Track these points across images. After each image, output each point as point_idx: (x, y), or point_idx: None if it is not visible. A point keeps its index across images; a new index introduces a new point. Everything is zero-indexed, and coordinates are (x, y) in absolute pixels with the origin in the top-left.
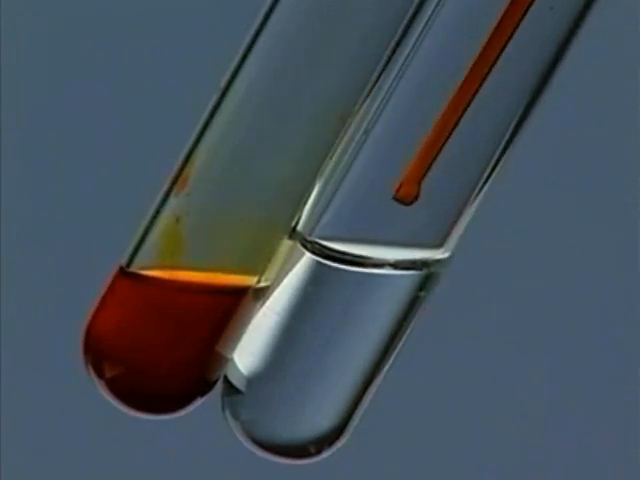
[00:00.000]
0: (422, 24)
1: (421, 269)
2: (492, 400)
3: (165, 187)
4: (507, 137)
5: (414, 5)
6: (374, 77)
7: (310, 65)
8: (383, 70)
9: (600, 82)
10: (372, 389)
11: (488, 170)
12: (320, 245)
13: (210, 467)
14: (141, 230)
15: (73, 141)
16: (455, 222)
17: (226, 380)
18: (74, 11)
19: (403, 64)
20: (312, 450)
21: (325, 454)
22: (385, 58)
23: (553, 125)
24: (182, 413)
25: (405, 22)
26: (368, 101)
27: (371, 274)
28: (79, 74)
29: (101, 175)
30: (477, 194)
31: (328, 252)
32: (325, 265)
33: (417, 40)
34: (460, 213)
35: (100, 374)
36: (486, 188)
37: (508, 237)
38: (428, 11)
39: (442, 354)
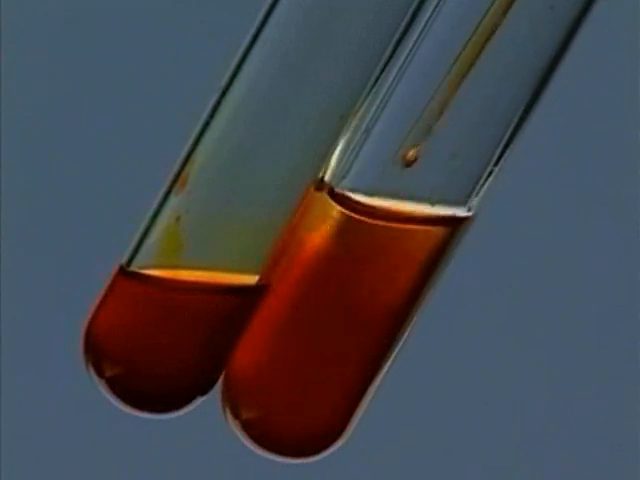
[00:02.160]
0: (422, 23)
1: (445, 226)
2: (492, 399)
3: (165, 186)
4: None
5: (414, 4)
6: (375, 76)
7: (310, 64)
8: (384, 68)
9: (600, 83)
10: (374, 385)
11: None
12: (348, 198)
13: (211, 466)
14: (141, 229)
15: (73, 141)
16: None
17: (226, 379)
18: (74, 10)
19: (404, 62)
20: (312, 449)
21: (325, 453)
22: (385, 57)
23: (554, 121)
24: (182, 412)
25: (405, 21)
26: (369, 99)
27: (395, 228)
28: (79, 73)
29: (101, 174)
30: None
31: (356, 205)
32: (352, 218)
33: (417, 39)
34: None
35: (100, 373)
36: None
37: (508, 234)
38: (428, 10)
39: (442, 355)
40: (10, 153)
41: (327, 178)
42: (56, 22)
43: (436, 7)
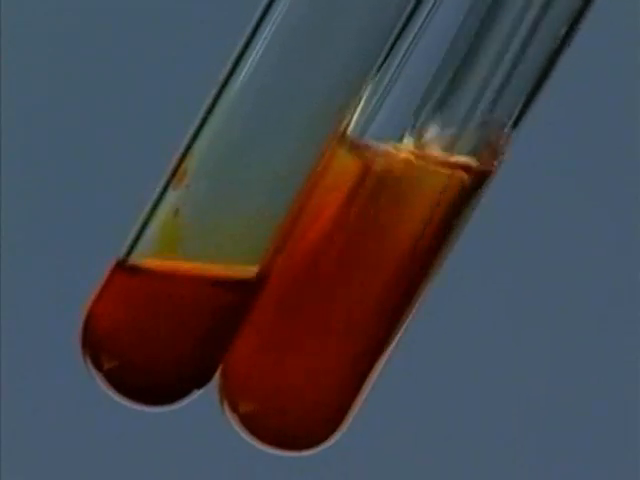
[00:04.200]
0: (422, 16)
1: (469, 173)
2: (491, 392)
3: (164, 180)
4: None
5: None
6: (374, 69)
7: (309, 57)
8: (383, 62)
9: (600, 81)
10: (372, 379)
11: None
12: (368, 148)
13: (208, 458)
14: (139, 222)
15: (72, 134)
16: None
17: (224, 372)
18: (74, 10)
19: (404, 55)
20: (310, 442)
21: (323, 446)
22: (385, 49)
23: (554, 120)
24: (180, 405)
25: (405, 14)
26: (368, 92)
27: (418, 172)
28: (78, 68)
29: (100, 168)
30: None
31: (377, 153)
32: (373, 167)
33: (417, 32)
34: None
35: (98, 366)
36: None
37: (509, 233)
38: (429, 4)
39: (440, 349)
40: (10, 149)
41: (349, 132)
42: (56, 22)
43: (435, 2)
